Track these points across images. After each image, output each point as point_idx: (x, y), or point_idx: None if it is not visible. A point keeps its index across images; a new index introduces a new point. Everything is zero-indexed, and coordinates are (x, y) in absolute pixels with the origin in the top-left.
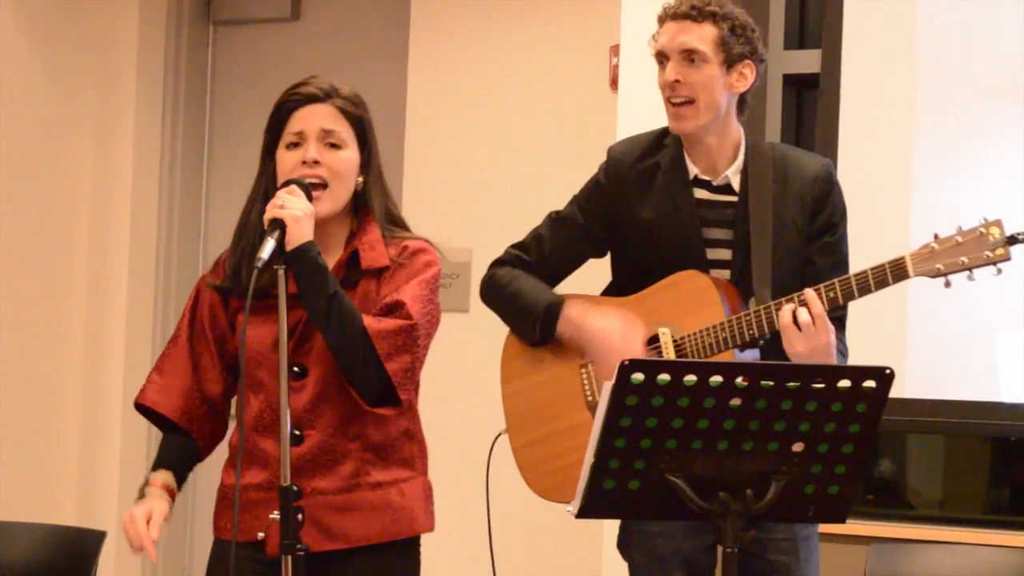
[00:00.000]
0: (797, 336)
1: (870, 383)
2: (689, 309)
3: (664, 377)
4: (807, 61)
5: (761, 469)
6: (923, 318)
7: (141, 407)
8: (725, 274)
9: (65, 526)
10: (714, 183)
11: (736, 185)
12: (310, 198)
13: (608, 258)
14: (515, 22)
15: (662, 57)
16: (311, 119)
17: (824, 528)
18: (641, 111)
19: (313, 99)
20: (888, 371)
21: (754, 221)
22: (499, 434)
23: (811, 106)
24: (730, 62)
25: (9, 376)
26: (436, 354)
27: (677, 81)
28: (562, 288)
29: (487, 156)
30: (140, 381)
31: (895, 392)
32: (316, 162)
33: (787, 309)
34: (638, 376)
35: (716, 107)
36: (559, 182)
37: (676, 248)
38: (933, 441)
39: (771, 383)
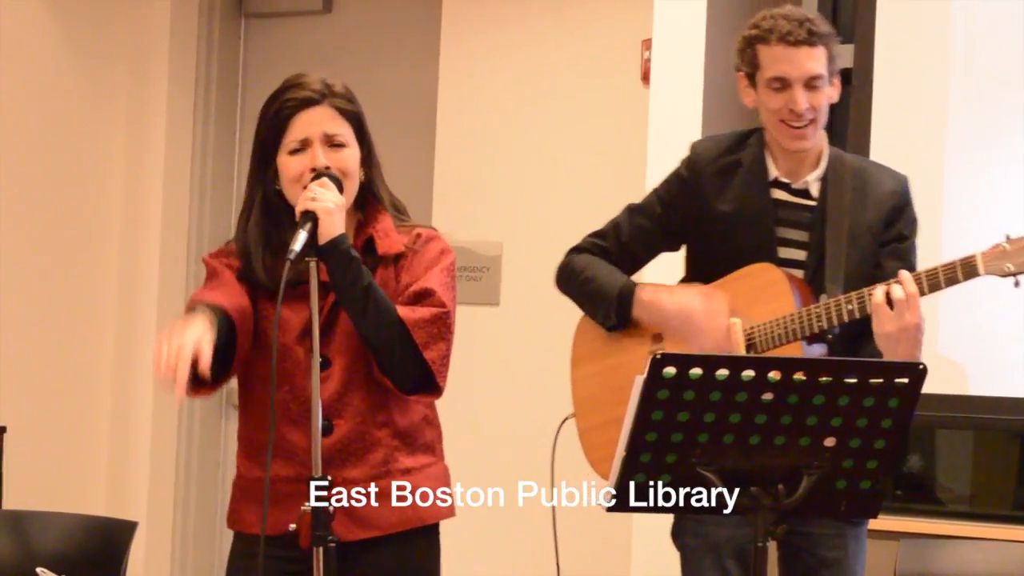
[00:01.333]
0: (888, 315)
1: (903, 378)
2: (760, 300)
3: (696, 371)
4: (840, 56)
5: (792, 464)
6: (953, 313)
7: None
8: (797, 274)
9: (97, 516)
10: (793, 186)
11: (815, 191)
12: (341, 190)
13: (677, 256)
14: (546, 17)
15: (781, 83)
16: (313, 123)
17: None
18: (673, 105)
19: (310, 102)
20: (921, 366)
21: (831, 225)
22: (566, 418)
23: (844, 101)
24: (831, 73)
25: (41, 368)
26: (466, 347)
27: (807, 108)
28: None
29: (518, 150)
30: None
31: (925, 387)
32: (327, 167)
33: (880, 290)
34: (670, 370)
35: (825, 122)
36: (590, 177)
37: (749, 244)
38: (962, 437)
39: (803, 378)
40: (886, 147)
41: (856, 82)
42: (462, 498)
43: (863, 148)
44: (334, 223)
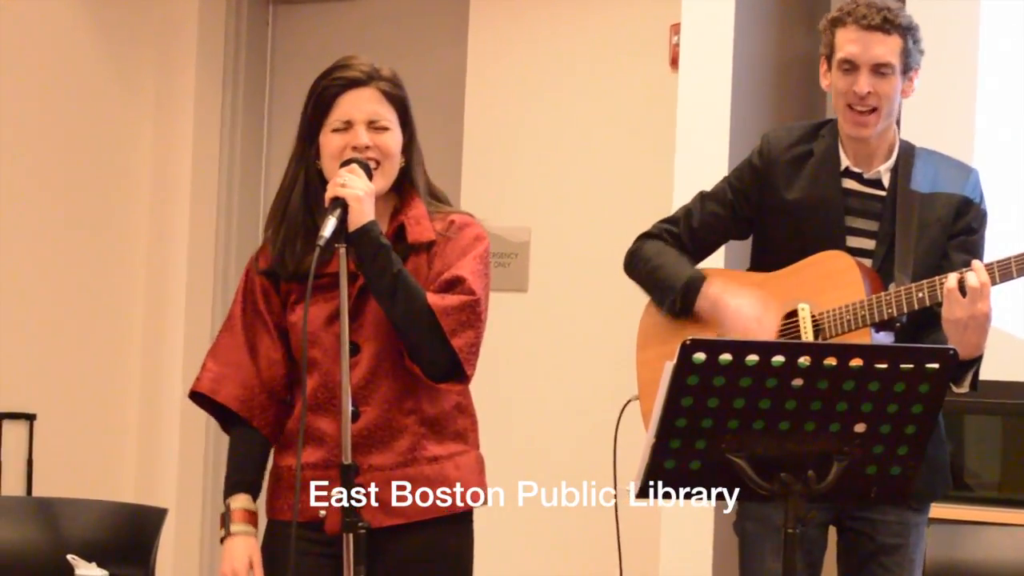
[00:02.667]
0: (959, 302)
1: (933, 364)
2: (830, 287)
3: (726, 357)
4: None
5: (823, 450)
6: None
7: (197, 396)
8: (866, 263)
9: (127, 503)
10: (865, 176)
11: (886, 181)
12: (370, 178)
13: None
14: (574, 2)
15: (850, 65)
16: (357, 105)
17: None
18: (701, 91)
19: (357, 83)
20: (952, 352)
21: (900, 216)
22: (629, 400)
23: None
24: (906, 69)
25: (70, 356)
26: (494, 333)
27: (869, 92)
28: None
29: (546, 136)
30: (200, 359)
31: None
32: (367, 147)
33: (954, 275)
34: (700, 356)
35: (893, 114)
36: (618, 162)
37: (818, 232)
38: (991, 422)
39: (834, 363)
40: (914, 127)
41: None
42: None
43: None
44: (363, 210)
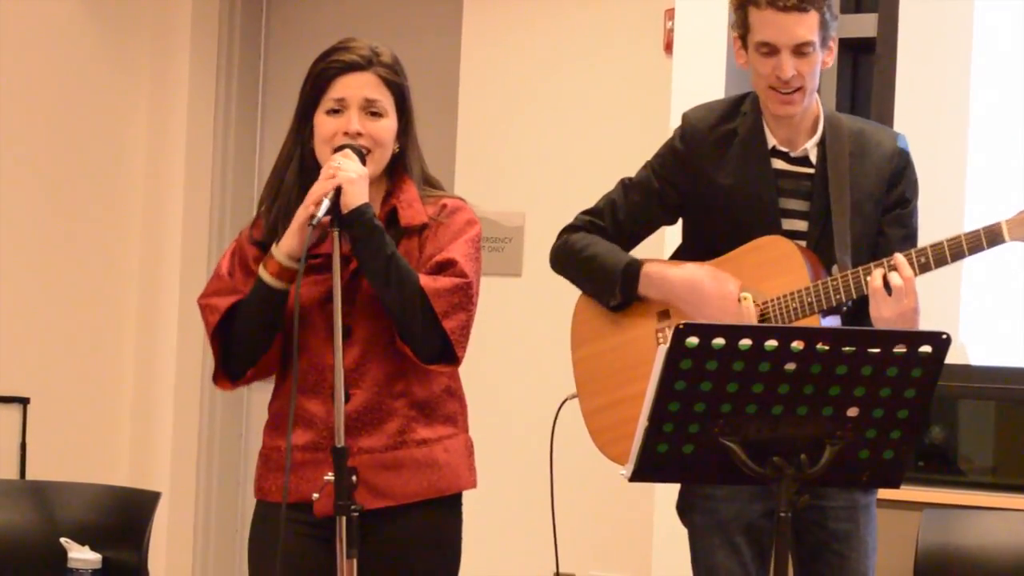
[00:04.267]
0: (886, 300)
1: (926, 348)
2: (772, 274)
3: (719, 341)
4: (863, 25)
5: (815, 434)
6: (976, 283)
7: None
8: (801, 244)
9: (121, 487)
10: (792, 154)
11: (814, 158)
12: (363, 162)
13: (668, 229)
14: None
15: (768, 48)
16: (353, 87)
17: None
18: (696, 75)
19: (355, 67)
20: (944, 336)
21: (833, 193)
22: (566, 399)
23: (867, 71)
24: (825, 40)
25: (63, 339)
26: (487, 318)
27: (794, 75)
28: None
29: (540, 121)
30: (193, 345)
31: (947, 357)
32: (359, 133)
33: (878, 273)
34: (693, 340)
35: (815, 89)
36: (613, 147)
37: (751, 217)
38: (985, 407)
39: (826, 348)
40: (910, 117)
41: (880, 51)
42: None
43: (887, 119)
44: (356, 193)
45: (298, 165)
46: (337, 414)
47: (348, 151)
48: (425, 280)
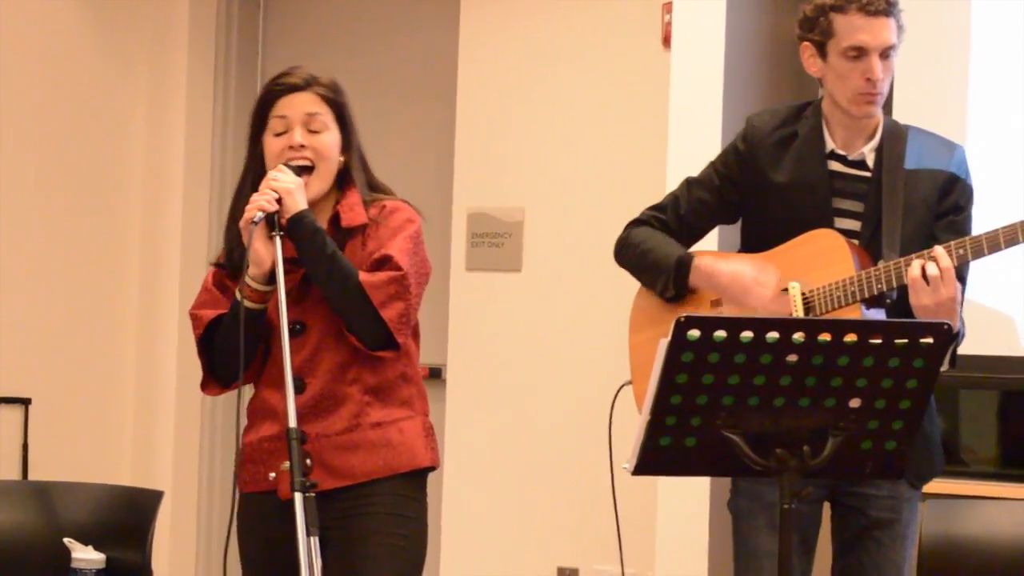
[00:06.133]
0: (924, 290)
1: (927, 338)
2: (820, 265)
3: (720, 334)
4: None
5: (818, 425)
6: (976, 273)
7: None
8: (849, 239)
9: (123, 486)
10: (849, 157)
11: (871, 162)
12: (299, 175)
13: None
14: None
15: (858, 52)
16: (294, 106)
17: None
18: (694, 69)
19: (295, 88)
20: (946, 326)
21: (886, 196)
22: (622, 385)
23: None
24: (898, 46)
25: (64, 339)
26: (488, 314)
27: (880, 79)
28: None
29: (539, 115)
30: (193, 347)
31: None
32: (302, 146)
33: (916, 263)
34: (694, 333)
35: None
36: (611, 141)
37: (805, 214)
38: (986, 397)
39: (828, 339)
40: (907, 117)
41: None
42: (475, 460)
43: (885, 114)
44: (295, 201)
45: (250, 189)
46: (289, 399)
47: (282, 167)
48: (363, 276)
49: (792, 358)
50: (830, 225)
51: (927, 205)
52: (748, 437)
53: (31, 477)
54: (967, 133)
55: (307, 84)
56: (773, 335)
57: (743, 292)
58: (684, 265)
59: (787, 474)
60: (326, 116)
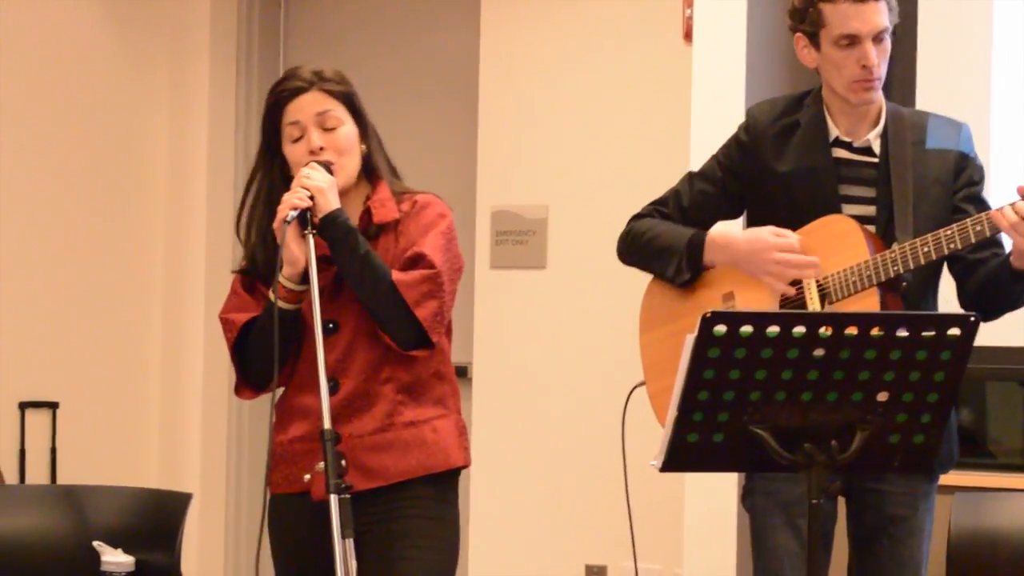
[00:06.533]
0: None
1: (955, 330)
2: (833, 250)
3: (747, 329)
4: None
5: (846, 419)
6: None
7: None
8: (869, 228)
9: (152, 489)
10: (855, 144)
11: (876, 148)
12: (331, 173)
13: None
14: None
15: (850, 39)
16: (303, 108)
17: None
18: (716, 63)
19: (299, 91)
20: (973, 318)
21: (896, 180)
22: (635, 387)
23: None
24: (891, 28)
25: (91, 343)
26: (513, 311)
27: (875, 64)
28: None
29: (561, 112)
30: (220, 346)
31: (976, 339)
32: (322, 148)
33: (1006, 208)
34: (720, 328)
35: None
36: (634, 137)
37: (812, 203)
38: (1014, 389)
39: (855, 332)
40: (930, 101)
41: (899, 34)
42: (502, 459)
43: (908, 102)
44: (328, 200)
45: (267, 197)
46: (324, 400)
47: (314, 164)
48: (396, 275)
49: (819, 352)
50: (839, 211)
51: (942, 184)
52: (776, 432)
53: (59, 481)
54: (991, 123)
55: (311, 83)
56: (800, 329)
57: (761, 254)
58: (698, 241)
59: (815, 469)
60: (338, 110)
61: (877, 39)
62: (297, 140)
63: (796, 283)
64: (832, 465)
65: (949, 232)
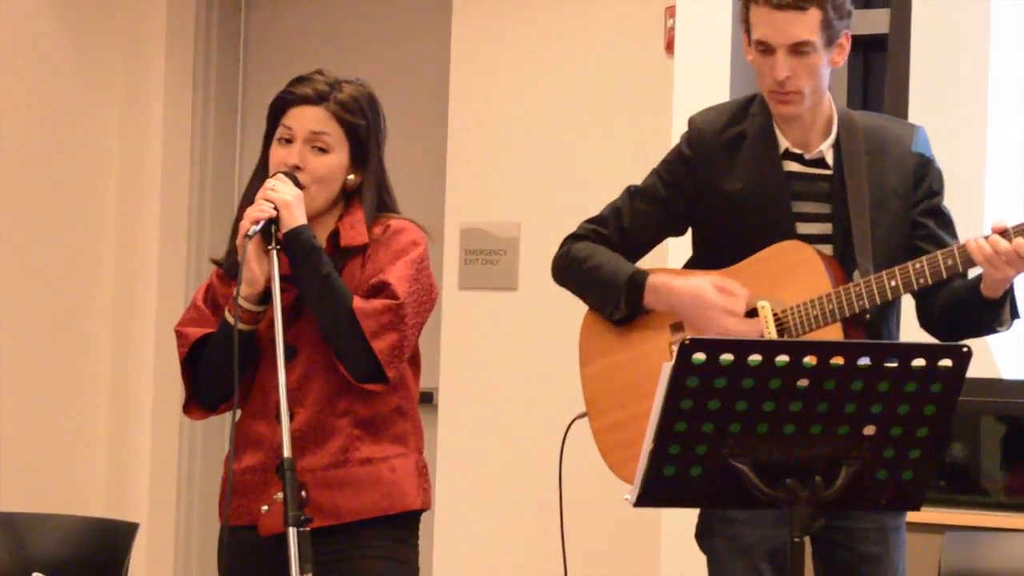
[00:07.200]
0: (1013, 260)
1: (946, 361)
2: (791, 281)
3: (727, 357)
4: (875, 21)
5: (830, 454)
6: None
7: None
8: (823, 248)
9: (97, 518)
10: (807, 156)
11: (830, 159)
12: (299, 186)
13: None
14: None
15: (764, 47)
16: (302, 120)
17: None
18: (699, 76)
19: (307, 100)
20: (965, 349)
21: (851, 195)
22: (576, 417)
23: (879, 69)
24: (831, 40)
25: (34, 360)
26: (483, 334)
27: (788, 77)
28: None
29: (535, 126)
30: (171, 369)
31: (968, 371)
32: (296, 167)
33: (979, 241)
34: (699, 356)
35: (820, 90)
36: (612, 152)
37: (764, 222)
38: (1008, 424)
39: (841, 362)
40: (925, 117)
41: (892, 48)
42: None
43: (901, 114)
44: (293, 215)
45: (253, 197)
46: (284, 428)
47: (281, 175)
48: (357, 302)
49: (803, 383)
50: (792, 231)
51: (899, 196)
52: (757, 466)
53: None
54: (987, 136)
55: (320, 98)
56: (783, 358)
57: (706, 313)
58: (638, 283)
59: (797, 505)
60: (334, 136)
61: (796, 51)
62: (283, 143)
63: (751, 314)
64: (815, 502)
65: (919, 266)
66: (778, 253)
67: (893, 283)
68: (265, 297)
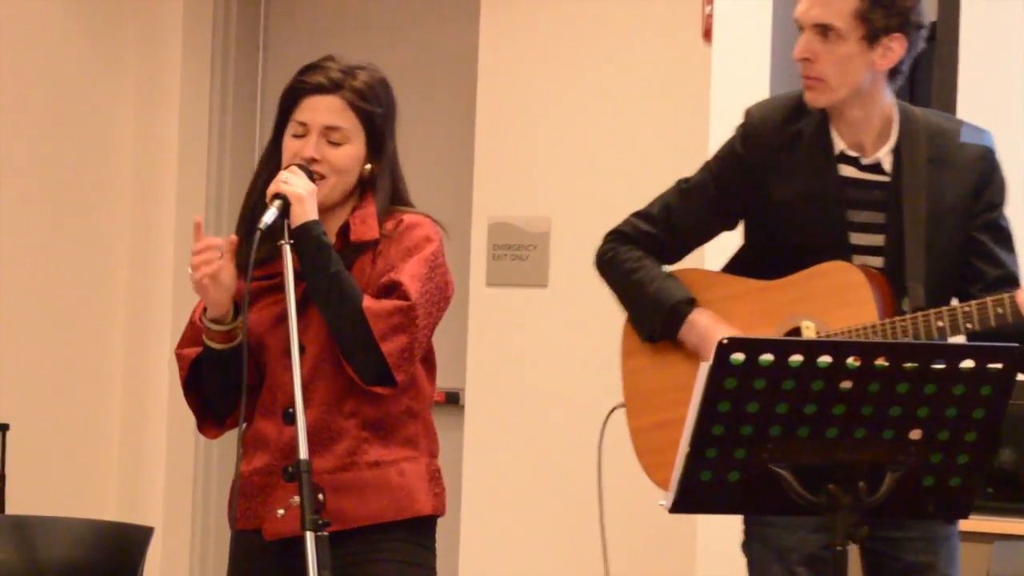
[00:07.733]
0: None
1: (996, 364)
2: (837, 304)
3: (767, 357)
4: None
5: (875, 459)
6: None
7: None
8: (873, 261)
9: (111, 522)
10: (863, 161)
11: (887, 166)
12: (312, 180)
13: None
14: None
15: (798, 26)
16: (316, 111)
17: None
18: (737, 64)
19: (321, 89)
20: (1017, 350)
21: (907, 207)
22: (614, 408)
23: (927, 58)
24: (873, 37)
25: (46, 360)
26: (513, 332)
27: (806, 59)
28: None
29: (567, 117)
30: None
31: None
32: (313, 159)
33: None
34: (738, 356)
35: (853, 85)
36: (647, 144)
37: (816, 229)
38: None
39: (886, 364)
40: (973, 107)
41: (940, 39)
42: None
43: (949, 107)
44: (305, 209)
45: (262, 187)
46: (300, 430)
47: (295, 168)
48: (367, 301)
49: (846, 385)
50: (844, 241)
51: (958, 213)
52: (798, 471)
53: (9, 511)
54: None
55: (336, 86)
56: (825, 359)
57: None
58: (679, 315)
59: (840, 512)
60: (350, 127)
61: (820, 33)
62: (298, 136)
63: (793, 332)
64: (859, 508)
65: (967, 310)
66: (828, 272)
67: (940, 324)
68: (237, 313)
